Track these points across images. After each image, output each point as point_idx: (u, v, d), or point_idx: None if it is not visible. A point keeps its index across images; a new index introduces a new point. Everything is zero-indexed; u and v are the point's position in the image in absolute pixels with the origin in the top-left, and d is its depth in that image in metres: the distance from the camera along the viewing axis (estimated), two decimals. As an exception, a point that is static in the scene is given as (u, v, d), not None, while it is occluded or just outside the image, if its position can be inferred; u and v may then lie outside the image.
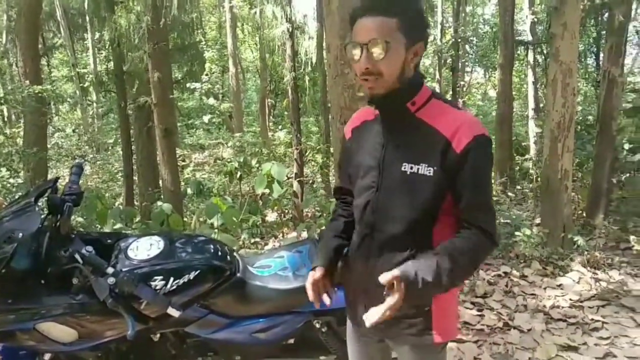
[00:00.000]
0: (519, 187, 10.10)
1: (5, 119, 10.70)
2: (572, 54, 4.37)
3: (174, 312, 1.68)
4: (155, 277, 1.74)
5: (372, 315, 1.24)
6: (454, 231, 1.37)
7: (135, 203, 9.06)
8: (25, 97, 6.00)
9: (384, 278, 1.21)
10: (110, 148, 17.46)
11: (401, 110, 1.36)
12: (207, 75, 8.81)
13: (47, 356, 1.84)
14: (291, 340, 2.14)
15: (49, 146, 15.12)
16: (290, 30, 6.98)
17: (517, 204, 8.65)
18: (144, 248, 1.84)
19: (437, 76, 14.37)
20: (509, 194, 9.37)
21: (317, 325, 2.01)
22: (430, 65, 15.21)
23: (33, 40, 6.68)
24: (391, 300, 1.22)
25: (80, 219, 4.80)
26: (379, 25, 1.26)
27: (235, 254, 2.07)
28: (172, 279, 1.75)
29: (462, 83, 16.16)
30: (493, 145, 1.39)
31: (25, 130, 6.56)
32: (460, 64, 16.52)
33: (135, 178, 8.95)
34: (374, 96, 1.34)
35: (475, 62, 20.13)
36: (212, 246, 1.98)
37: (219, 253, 1.95)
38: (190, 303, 1.83)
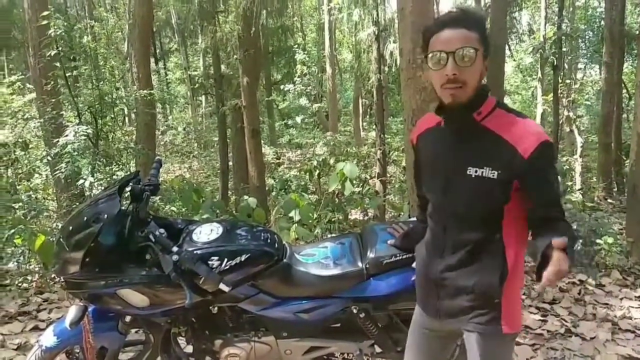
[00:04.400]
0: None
1: (125, 118, 12.04)
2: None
3: (225, 288, 1.96)
4: (213, 257, 2.03)
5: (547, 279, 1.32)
6: (520, 227, 1.49)
7: (233, 197, 9.76)
8: (137, 99, 6.77)
9: (558, 243, 1.29)
10: (215, 146, 18.77)
11: (467, 119, 1.46)
12: (299, 77, 9.21)
13: (127, 318, 2.21)
14: (337, 324, 2.36)
15: (161, 143, 16.67)
16: (376, 33, 7.15)
17: (620, 212, 8.09)
18: (206, 233, 2.15)
19: (539, 74, 13.69)
20: (610, 200, 8.78)
21: (355, 311, 2.20)
22: (535, 62, 14.51)
23: (145, 48, 7.51)
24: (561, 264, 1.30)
25: (174, 209, 5.38)
26: (463, 35, 1.37)
27: (284, 242, 2.33)
28: (226, 259, 2.04)
29: (568, 81, 15.21)
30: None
31: (137, 129, 7.40)
32: (567, 61, 15.56)
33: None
34: (455, 104, 1.42)
35: (588, 58, 18.81)
36: (263, 234, 2.25)
37: (269, 240, 2.21)
38: (242, 282, 2.10)
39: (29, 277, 4.33)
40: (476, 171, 1.44)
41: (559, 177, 1.50)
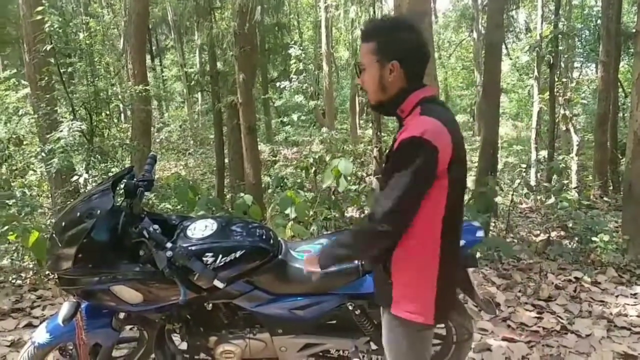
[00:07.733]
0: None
1: (121, 115, 12.00)
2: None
3: (219, 284, 1.95)
4: (207, 254, 2.02)
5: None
6: (422, 220, 1.46)
7: (229, 194, 9.73)
8: (132, 96, 6.73)
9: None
10: (211, 143, 18.71)
11: (396, 116, 1.60)
12: (295, 74, 9.17)
13: (121, 315, 2.20)
14: (333, 321, 2.35)
15: (157, 140, 16.61)
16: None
17: (616, 210, 8.10)
18: (200, 229, 2.13)
19: (536, 73, 13.70)
20: (605, 199, 8.80)
21: (351, 308, 2.19)
22: (532, 61, 14.52)
23: (141, 45, 7.46)
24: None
25: (169, 206, 5.35)
26: (363, 49, 1.58)
27: (279, 238, 2.31)
28: (220, 256, 2.02)
29: (564, 80, 15.22)
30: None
31: (132, 126, 7.36)
32: (563, 60, 15.57)
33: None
34: (372, 105, 1.65)
35: (584, 57, 18.83)
36: (258, 230, 2.23)
37: (264, 237, 2.19)
38: (236, 278, 2.09)
39: (23, 274, 4.30)
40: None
41: (410, 180, 1.39)
